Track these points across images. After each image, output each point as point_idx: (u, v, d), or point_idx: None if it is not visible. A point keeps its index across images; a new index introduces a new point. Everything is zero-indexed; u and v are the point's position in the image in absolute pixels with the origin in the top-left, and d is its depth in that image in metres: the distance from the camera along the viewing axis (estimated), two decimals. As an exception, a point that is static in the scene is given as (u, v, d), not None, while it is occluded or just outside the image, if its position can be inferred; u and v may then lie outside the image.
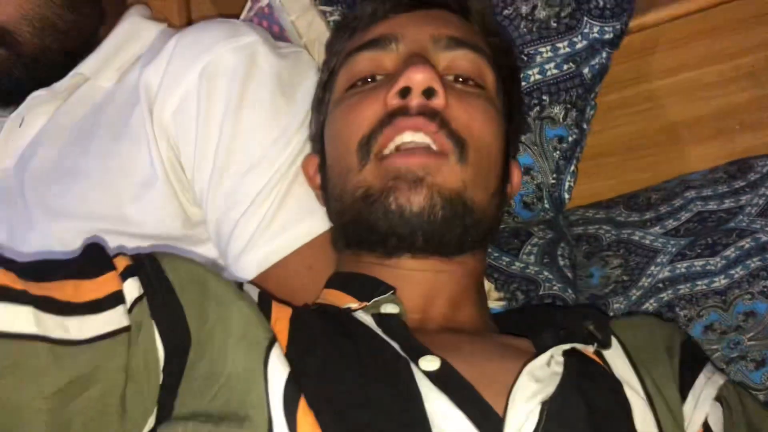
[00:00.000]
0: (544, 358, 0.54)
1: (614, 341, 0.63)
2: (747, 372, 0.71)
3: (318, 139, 0.76)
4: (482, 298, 0.70)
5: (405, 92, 0.64)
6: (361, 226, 0.64)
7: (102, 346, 0.50)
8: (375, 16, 0.74)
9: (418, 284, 0.65)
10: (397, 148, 0.63)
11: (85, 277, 0.52)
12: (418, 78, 0.63)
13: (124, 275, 0.53)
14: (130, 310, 0.52)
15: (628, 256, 0.87)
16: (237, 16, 0.95)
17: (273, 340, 0.54)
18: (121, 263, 0.54)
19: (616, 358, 0.62)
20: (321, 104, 0.76)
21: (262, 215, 0.74)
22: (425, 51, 0.68)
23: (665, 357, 0.62)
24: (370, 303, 0.61)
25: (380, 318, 0.59)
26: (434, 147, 0.63)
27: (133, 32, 0.88)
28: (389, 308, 0.61)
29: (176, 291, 0.54)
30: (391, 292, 0.62)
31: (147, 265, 0.55)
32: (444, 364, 0.54)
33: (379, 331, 0.58)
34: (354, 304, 0.62)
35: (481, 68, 0.70)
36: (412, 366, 0.54)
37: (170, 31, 0.89)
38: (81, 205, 0.77)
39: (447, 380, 0.53)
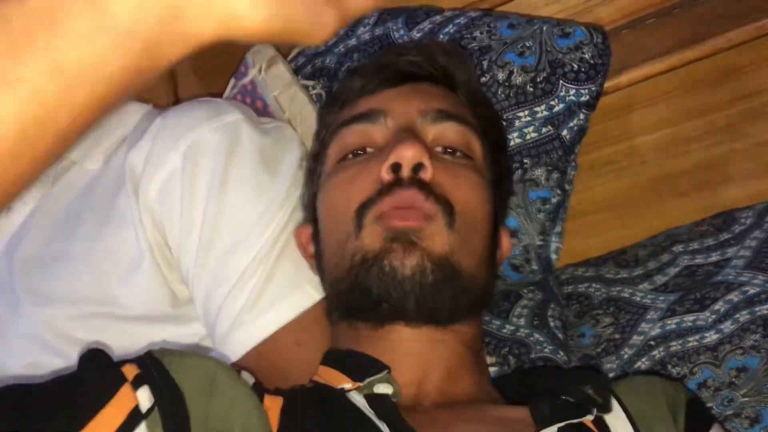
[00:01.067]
0: None
1: (616, 404, 0.62)
2: (742, 430, 0.70)
3: (311, 209, 0.77)
4: (481, 366, 0.70)
5: (396, 167, 0.66)
6: (356, 292, 0.66)
7: None
8: (364, 90, 0.76)
9: (413, 356, 0.66)
10: (394, 212, 0.65)
11: (104, 402, 0.50)
12: (408, 154, 0.66)
13: (135, 384, 0.52)
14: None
15: (618, 314, 0.86)
16: (220, 94, 0.97)
17: None
18: (130, 372, 0.53)
19: (618, 423, 0.61)
20: (313, 175, 0.78)
21: (249, 292, 0.75)
22: (413, 125, 0.71)
23: (669, 419, 0.62)
24: (364, 383, 0.61)
25: (372, 399, 0.59)
26: (423, 210, 0.65)
27: (118, 114, 0.89)
28: (382, 388, 0.61)
29: (185, 397, 0.53)
30: (386, 371, 0.62)
31: (154, 370, 0.54)
32: None
33: (371, 413, 0.58)
34: (348, 384, 0.62)
35: (468, 139, 0.72)
36: None
37: (155, 112, 0.90)
38: (69, 290, 0.78)
39: None
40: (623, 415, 0.62)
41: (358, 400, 0.60)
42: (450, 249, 0.64)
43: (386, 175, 0.67)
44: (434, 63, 0.78)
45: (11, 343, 0.77)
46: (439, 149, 0.71)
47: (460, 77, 0.78)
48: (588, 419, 0.59)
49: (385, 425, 0.56)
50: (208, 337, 0.80)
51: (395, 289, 0.63)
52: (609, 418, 0.61)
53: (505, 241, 0.77)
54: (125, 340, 0.76)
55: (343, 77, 0.91)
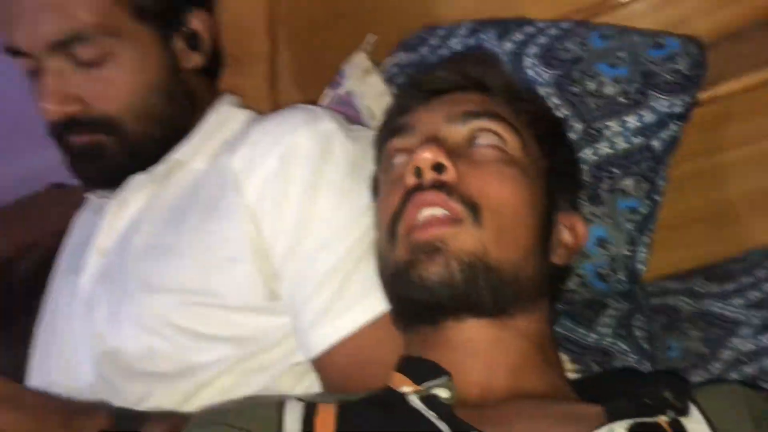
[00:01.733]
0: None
1: (695, 410, 0.62)
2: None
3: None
4: (551, 362, 0.71)
5: (419, 172, 0.69)
6: (399, 301, 0.71)
7: None
8: (400, 108, 0.81)
9: (476, 355, 0.68)
10: (418, 222, 0.68)
11: None
12: (423, 156, 0.69)
13: None
14: None
15: (708, 329, 0.85)
16: (316, 102, 1.02)
17: None
18: None
19: (697, 429, 0.60)
20: (377, 192, 0.82)
21: (330, 293, 0.79)
22: (438, 131, 0.74)
23: (752, 429, 0.61)
24: (422, 387, 0.64)
25: (427, 401, 0.62)
26: (448, 214, 0.68)
27: (223, 119, 0.96)
28: (440, 392, 0.63)
29: None
30: (446, 377, 0.64)
31: None
32: None
33: (432, 415, 0.60)
34: (408, 388, 0.65)
35: (501, 134, 0.74)
36: None
37: (256, 117, 0.96)
38: (174, 280, 0.84)
39: None
40: (703, 420, 0.61)
41: (417, 403, 0.62)
42: (481, 246, 0.67)
43: (410, 181, 0.70)
44: (462, 72, 0.81)
45: (125, 329, 0.84)
46: (473, 148, 0.73)
47: (491, 79, 0.80)
48: (662, 420, 0.59)
49: (445, 425, 0.58)
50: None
51: (428, 295, 0.67)
52: (688, 423, 0.60)
53: (579, 227, 0.78)
54: (224, 328, 0.81)
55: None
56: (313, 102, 1.03)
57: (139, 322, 0.83)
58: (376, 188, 0.82)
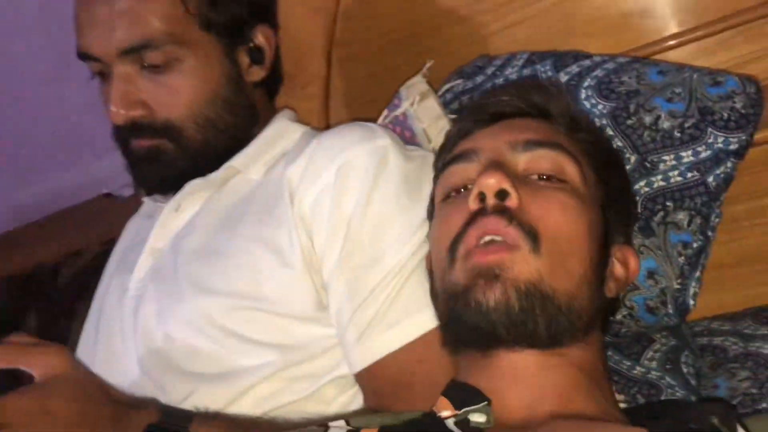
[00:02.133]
0: None
1: None
2: None
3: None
4: (602, 390, 0.70)
5: (483, 197, 0.70)
6: (454, 324, 0.70)
7: None
8: (461, 132, 0.82)
9: (522, 382, 0.68)
10: (478, 246, 0.69)
11: None
12: (489, 182, 0.70)
13: None
14: None
15: (756, 369, 0.84)
16: (368, 120, 1.04)
17: None
18: None
19: None
20: (431, 215, 0.83)
21: (378, 308, 0.79)
22: (502, 157, 0.74)
23: None
24: (461, 412, 0.64)
25: (460, 426, 0.63)
26: (506, 240, 0.68)
27: (280, 132, 0.98)
28: (476, 416, 0.64)
29: None
30: (485, 403, 0.65)
31: None
32: None
33: None
34: (447, 412, 0.65)
35: (561, 164, 0.75)
36: None
37: (313, 132, 0.98)
38: (226, 283, 0.85)
39: None
40: None
41: (453, 427, 0.63)
42: (537, 275, 0.67)
43: (473, 205, 0.70)
44: (527, 98, 0.82)
45: (172, 327, 0.85)
46: (534, 177, 0.74)
47: (554, 107, 0.81)
48: None
49: None
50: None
51: (483, 321, 0.66)
52: None
53: (632, 261, 0.78)
54: (272, 334, 0.82)
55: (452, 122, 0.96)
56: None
57: (186, 321, 0.84)
58: (432, 209, 0.82)
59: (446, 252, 0.71)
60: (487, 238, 0.69)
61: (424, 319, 0.79)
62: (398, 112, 0.99)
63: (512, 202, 0.69)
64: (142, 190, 1.01)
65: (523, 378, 0.68)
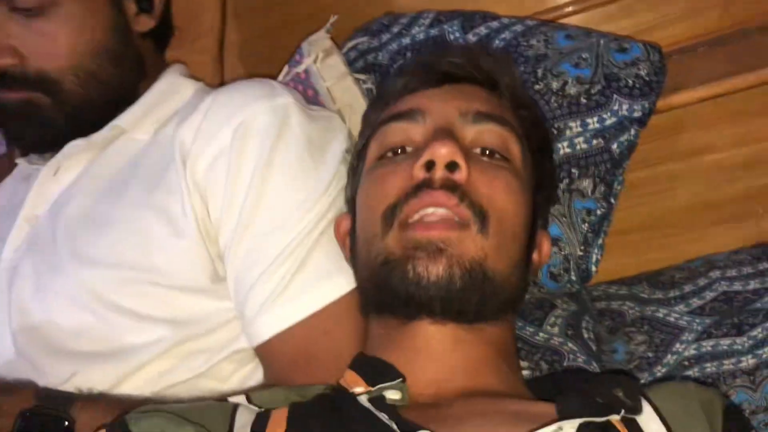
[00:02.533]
0: (547, 430, 0.55)
1: (648, 408, 0.62)
2: (779, 454, 0.70)
3: (351, 204, 0.78)
4: (510, 366, 0.70)
5: (430, 165, 0.67)
6: (383, 291, 0.67)
7: None
8: (406, 89, 0.77)
9: (436, 355, 0.67)
10: (420, 219, 0.66)
11: None
12: (441, 152, 0.66)
13: None
14: None
15: (652, 333, 0.86)
16: (267, 77, 0.98)
17: None
18: None
19: (651, 426, 0.60)
20: (355, 171, 0.79)
21: (280, 278, 0.75)
22: (451, 125, 0.71)
23: (705, 424, 0.61)
24: (375, 389, 0.63)
25: (375, 402, 0.60)
26: (456, 219, 0.65)
27: (171, 89, 0.90)
28: (391, 394, 0.62)
29: None
30: (400, 380, 0.63)
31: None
32: None
33: (382, 414, 0.59)
34: (360, 388, 0.63)
35: (507, 141, 0.72)
36: None
37: (207, 89, 0.91)
38: (111, 254, 0.78)
39: None
40: (657, 418, 0.61)
41: (367, 404, 0.61)
42: (483, 254, 0.65)
43: (419, 173, 0.67)
44: (477, 65, 0.79)
45: (52, 304, 0.77)
46: (477, 151, 0.71)
47: (503, 80, 0.79)
48: (614, 419, 0.58)
49: (394, 424, 0.57)
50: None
51: (420, 293, 0.64)
52: (642, 421, 0.60)
53: (546, 246, 0.78)
54: (164, 308, 0.76)
55: (390, 76, 0.92)
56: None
57: (67, 296, 0.77)
58: (357, 165, 0.78)
59: (380, 217, 0.68)
60: (430, 210, 0.66)
61: (330, 289, 0.76)
62: (300, 68, 0.93)
63: (461, 176, 0.66)
64: (16, 150, 0.91)
65: (437, 352, 0.67)
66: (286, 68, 0.96)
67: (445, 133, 0.69)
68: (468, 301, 0.65)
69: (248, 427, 0.60)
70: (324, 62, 0.92)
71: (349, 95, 0.91)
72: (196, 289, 0.78)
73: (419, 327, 0.67)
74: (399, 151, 0.72)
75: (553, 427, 0.55)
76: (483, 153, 0.71)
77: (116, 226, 0.79)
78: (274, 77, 0.99)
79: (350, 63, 0.99)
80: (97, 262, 0.77)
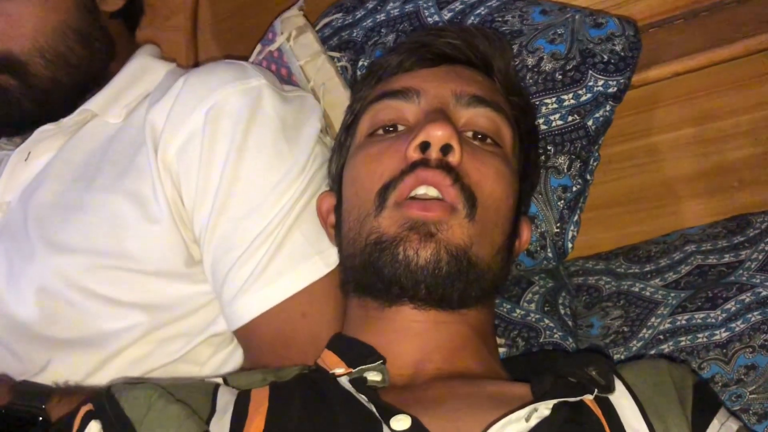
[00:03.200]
0: (522, 412, 0.56)
1: (621, 386, 0.63)
2: (750, 425, 0.71)
3: (336, 180, 0.77)
4: (489, 348, 0.71)
5: (424, 146, 0.66)
6: (369, 272, 0.67)
7: None
8: (400, 68, 0.77)
9: (416, 338, 0.67)
10: (412, 198, 0.66)
11: None
12: (437, 134, 0.66)
13: (86, 419, 0.56)
14: None
15: (628, 308, 0.87)
16: (242, 59, 0.97)
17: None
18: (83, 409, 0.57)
19: (623, 403, 0.61)
20: (342, 147, 0.78)
21: (257, 261, 0.74)
22: (446, 107, 0.71)
23: (676, 401, 0.62)
24: (356, 370, 0.63)
25: (356, 383, 0.61)
26: (446, 200, 0.65)
27: (142, 70, 0.89)
28: (372, 375, 0.63)
29: (133, 422, 0.56)
30: (380, 362, 0.64)
31: (106, 403, 0.58)
32: (415, 422, 0.55)
33: (360, 396, 0.59)
34: (341, 370, 0.64)
35: (500, 127, 0.73)
36: (384, 428, 0.56)
37: (179, 71, 0.90)
38: (83, 240, 0.77)
39: None
40: (629, 396, 0.62)
41: (348, 385, 0.61)
42: (469, 241, 0.65)
43: (413, 154, 0.67)
44: (473, 47, 0.78)
45: (22, 290, 0.77)
46: (469, 134, 0.71)
47: (498, 64, 0.78)
48: (587, 398, 0.60)
49: (373, 406, 0.58)
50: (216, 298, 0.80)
51: (407, 277, 0.64)
52: (615, 399, 0.62)
53: (526, 232, 0.78)
54: (138, 294, 0.76)
55: (383, 53, 0.91)
56: (240, 60, 0.97)
57: (41, 282, 0.76)
58: (345, 139, 0.77)
59: (375, 196, 0.67)
60: (422, 189, 0.66)
61: (307, 271, 0.75)
62: (273, 47, 0.92)
63: (455, 158, 0.66)
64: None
65: (417, 334, 0.67)
66: (259, 47, 0.95)
67: (441, 115, 0.69)
68: (452, 287, 0.65)
69: (231, 405, 0.60)
70: (297, 40, 0.91)
71: (322, 74, 0.90)
72: (171, 273, 0.77)
73: (400, 311, 0.67)
74: (390, 129, 0.72)
75: (529, 408, 0.56)
76: (475, 137, 0.71)
77: (88, 211, 0.78)
78: (248, 55, 0.98)
79: (324, 40, 0.98)
80: (70, 249, 0.77)
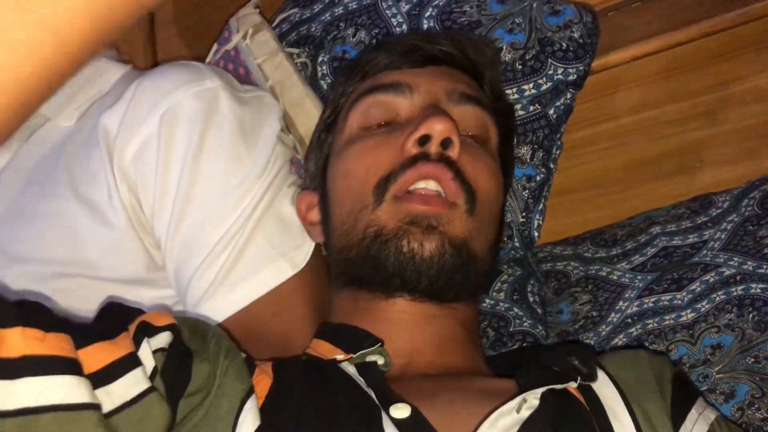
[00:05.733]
0: (512, 403, 0.56)
1: (603, 375, 0.64)
2: (717, 405, 0.72)
3: (318, 177, 0.77)
4: (475, 344, 0.71)
5: (424, 140, 0.66)
6: (367, 264, 0.67)
7: (138, 408, 0.48)
8: (390, 66, 0.76)
9: (407, 329, 0.67)
10: (410, 192, 0.66)
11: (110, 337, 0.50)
12: (438, 128, 0.66)
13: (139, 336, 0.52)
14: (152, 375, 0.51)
15: (596, 292, 0.88)
16: (202, 57, 0.95)
17: (249, 393, 0.54)
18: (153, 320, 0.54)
19: (606, 392, 0.62)
20: (323, 143, 0.78)
21: (220, 266, 0.74)
22: (439, 103, 0.71)
23: (656, 390, 0.63)
24: (356, 355, 0.62)
25: (362, 367, 0.61)
26: (445, 195, 0.65)
27: (95, 73, 0.87)
28: (374, 358, 0.62)
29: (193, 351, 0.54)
30: (379, 344, 0.63)
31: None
32: (414, 411, 0.55)
33: (360, 380, 0.59)
34: (341, 356, 0.63)
35: (487, 126, 0.74)
36: (383, 414, 0.55)
37: (134, 73, 0.88)
38: (38, 249, 0.75)
39: (415, 427, 0.54)
40: (611, 384, 0.63)
41: (350, 369, 0.61)
42: (469, 235, 0.66)
43: (412, 148, 0.67)
44: (464, 54, 0.78)
45: None
46: (462, 130, 0.71)
47: (487, 72, 0.79)
48: (572, 386, 0.60)
49: (372, 392, 0.57)
50: (181, 302, 0.79)
51: (411, 269, 0.64)
52: (597, 388, 0.62)
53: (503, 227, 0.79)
54: (95, 301, 0.75)
55: (365, 51, 0.90)
56: (198, 58, 0.96)
57: None
58: (323, 141, 0.77)
59: (372, 189, 0.67)
60: (422, 184, 0.65)
61: (271, 275, 0.75)
62: (229, 46, 0.91)
63: (455, 153, 0.66)
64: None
65: (408, 326, 0.67)
66: (215, 46, 0.93)
67: (440, 109, 0.69)
68: (452, 280, 0.65)
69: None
70: (254, 38, 0.90)
71: (281, 72, 0.89)
72: (132, 279, 0.76)
73: (395, 302, 0.67)
74: (382, 125, 0.72)
75: (519, 399, 0.57)
76: (466, 133, 0.71)
77: (42, 220, 0.76)
78: (207, 53, 0.97)
79: (282, 36, 0.97)
80: (23, 258, 0.75)
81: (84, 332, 0.49)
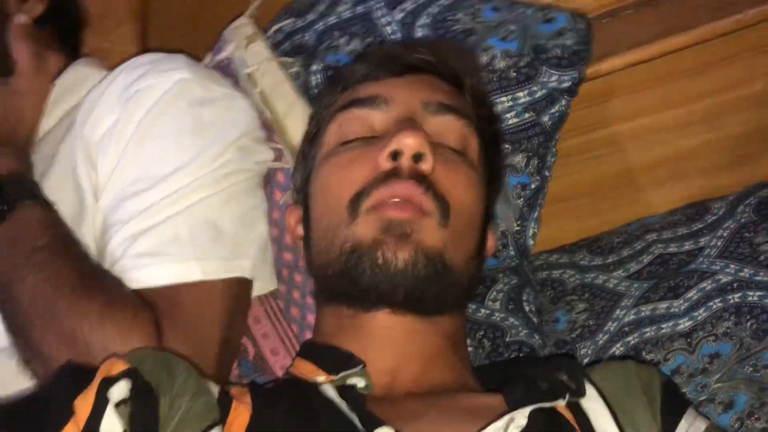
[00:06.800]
0: (499, 423, 0.56)
1: (592, 390, 0.63)
2: (716, 415, 0.71)
3: (302, 191, 0.77)
4: (461, 357, 0.71)
5: (396, 155, 0.66)
6: (345, 280, 0.66)
7: None
8: (368, 77, 0.76)
9: (391, 344, 0.66)
10: (383, 202, 0.66)
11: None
12: (409, 142, 0.66)
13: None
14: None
15: (593, 300, 0.87)
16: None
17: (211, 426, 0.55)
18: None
19: (594, 407, 0.62)
20: (306, 157, 0.78)
21: (125, 242, 0.73)
22: (415, 114, 0.71)
23: (645, 402, 0.62)
24: (338, 377, 0.62)
25: (342, 390, 0.60)
26: (421, 207, 0.65)
27: (77, 80, 0.88)
28: (356, 381, 0.62)
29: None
30: (361, 366, 0.63)
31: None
32: None
33: (342, 404, 0.58)
34: (322, 377, 0.63)
35: (467, 135, 0.73)
36: None
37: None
38: None
39: None
40: (600, 399, 0.62)
41: (331, 393, 0.60)
42: (443, 245, 0.65)
43: (385, 163, 0.66)
44: (444, 61, 0.78)
45: None
46: (441, 141, 0.71)
47: (468, 79, 0.78)
48: (559, 404, 0.60)
49: (355, 416, 0.57)
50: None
51: (386, 281, 0.64)
52: (585, 403, 0.62)
53: (491, 240, 0.78)
54: None
55: (337, 56, 0.90)
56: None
57: None
58: (306, 155, 0.77)
59: (347, 204, 0.67)
60: (397, 200, 0.65)
61: (180, 270, 0.73)
62: (222, 56, 0.91)
63: (427, 166, 0.66)
64: None
65: (391, 341, 0.66)
66: (209, 56, 0.93)
67: (412, 123, 0.68)
68: (429, 291, 0.65)
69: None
70: (248, 49, 0.89)
71: (271, 79, 0.88)
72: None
73: (375, 317, 0.66)
74: (359, 139, 0.71)
75: (506, 418, 0.56)
76: (443, 145, 0.71)
77: None
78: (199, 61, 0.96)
79: (277, 45, 0.96)
80: None
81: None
